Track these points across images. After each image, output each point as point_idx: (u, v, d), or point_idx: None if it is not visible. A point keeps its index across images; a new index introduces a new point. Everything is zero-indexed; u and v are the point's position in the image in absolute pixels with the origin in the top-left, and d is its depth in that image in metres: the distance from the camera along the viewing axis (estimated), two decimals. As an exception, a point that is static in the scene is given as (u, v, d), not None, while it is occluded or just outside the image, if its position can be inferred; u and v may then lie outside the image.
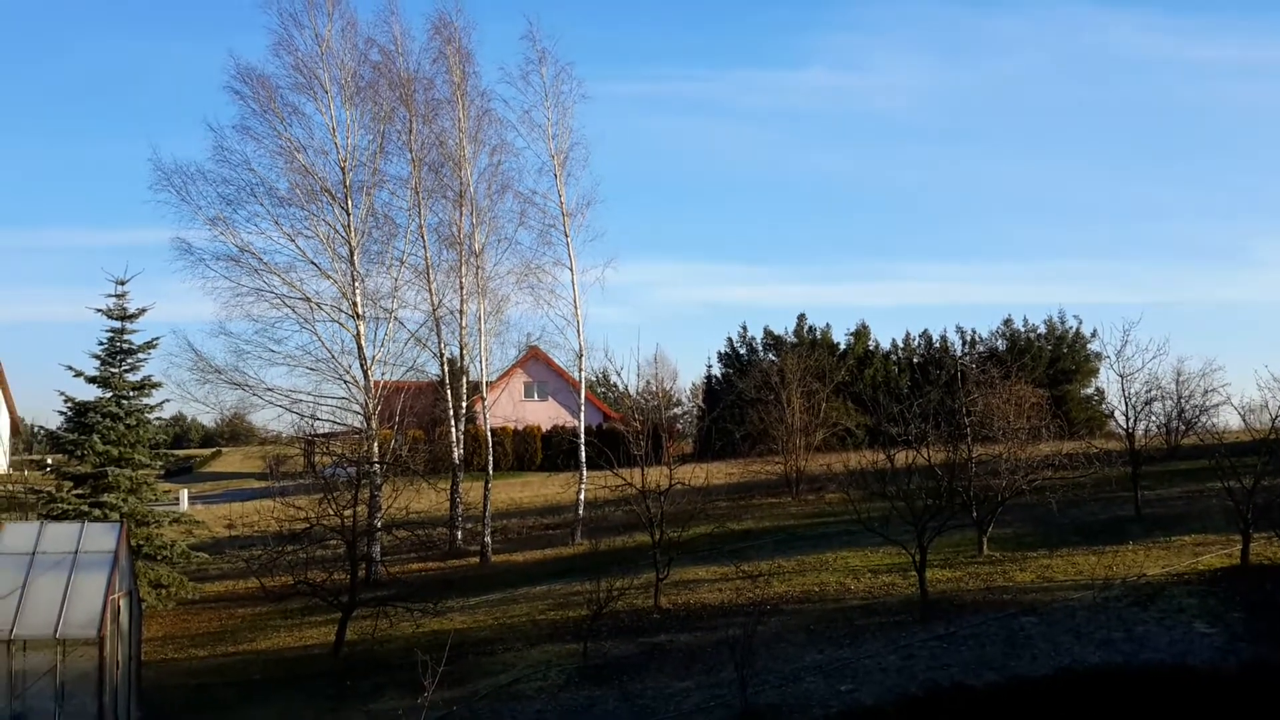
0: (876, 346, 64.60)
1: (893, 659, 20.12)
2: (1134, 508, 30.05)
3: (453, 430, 38.12)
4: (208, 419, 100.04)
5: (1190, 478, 33.08)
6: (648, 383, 56.05)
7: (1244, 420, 29.28)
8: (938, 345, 64.42)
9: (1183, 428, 35.26)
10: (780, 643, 21.76)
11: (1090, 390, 63.48)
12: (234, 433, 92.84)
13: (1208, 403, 34.28)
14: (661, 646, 22.58)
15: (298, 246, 35.27)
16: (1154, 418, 35.17)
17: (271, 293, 34.86)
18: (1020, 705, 13.98)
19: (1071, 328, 64.20)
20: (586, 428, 40.71)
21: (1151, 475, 33.08)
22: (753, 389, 46.83)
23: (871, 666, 19.97)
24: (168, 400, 36.20)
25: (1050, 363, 61.64)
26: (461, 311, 38.31)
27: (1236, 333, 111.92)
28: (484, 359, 39.04)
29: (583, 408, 40.89)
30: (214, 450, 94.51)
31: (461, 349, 38.66)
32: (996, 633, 20.75)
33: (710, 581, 27.49)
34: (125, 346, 32.18)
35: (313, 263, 35.33)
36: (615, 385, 62.43)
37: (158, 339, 32.83)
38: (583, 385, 41.12)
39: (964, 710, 14.36)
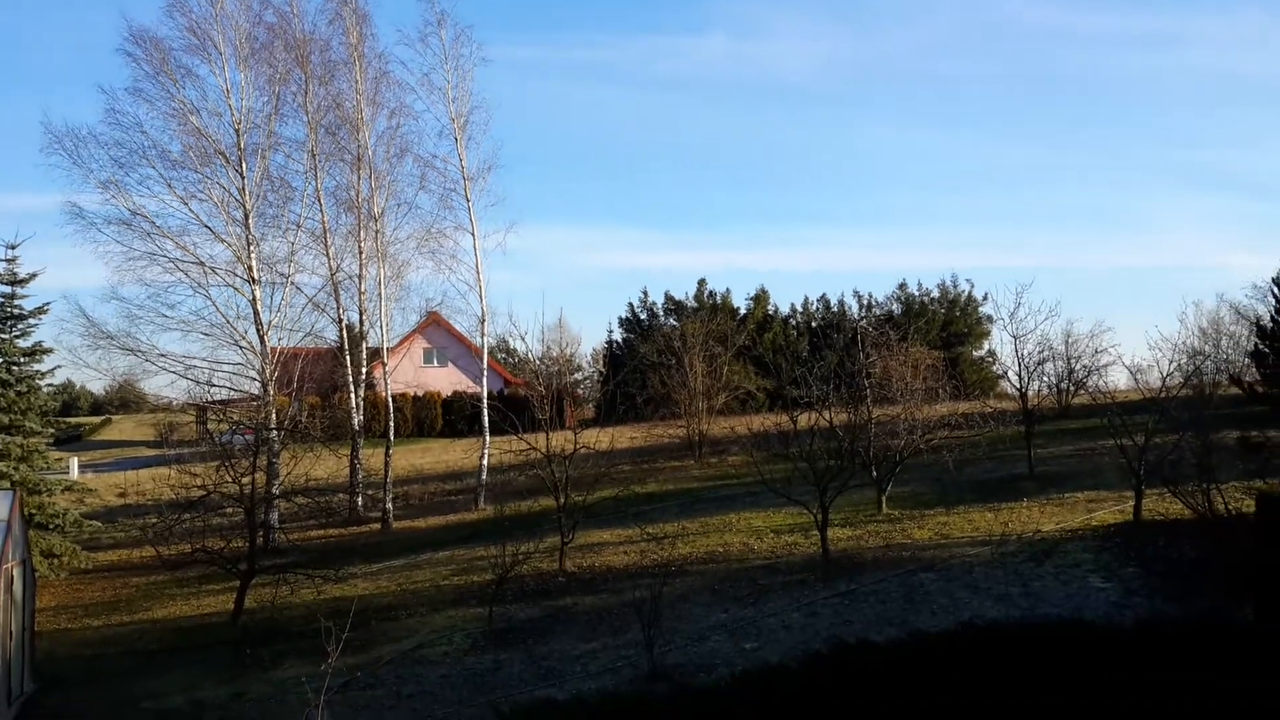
0: (776, 311, 65.24)
1: (796, 617, 20.38)
2: (1028, 466, 30.82)
3: (352, 396, 37.58)
4: (99, 386, 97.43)
5: (1082, 436, 34.01)
6: (550, 348, 55.92)
7: (1134, 379, 30.17)
8: (836, 309, 65.30)
9: (1073, 388, 36.25)
10: (685, 603, 21.90)
11: (983, 352, 65.02)
12: (124, 400, 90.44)
13: (1097, 363, 35.31)
14: (567, 609, 22.58)
15: (191, 210, 34.49)
16: (1046, 378, 36.15)
17: (165, 257, 34.10)
18: (921, 659, 14.23)
19: (964, 291, 65.62)
20: (489, 393, 40.41)
21: (1044, 434, 33.95)
22: (655, 353, 46.95)
23: (776, 625, 20.20)
24: (59, 366, 35.24)
25: (944, 325, 62.92)
26: (360, 276, 37.74)
27: (1127, 295, 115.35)
28: (384, 324, 38.53)
29: (485, 373, 40.58)
30: (104, 418, 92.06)
31: (361, 314, 38.10)
32: (897, 589, 21.13)
33: (615, 544, 27.56)
34: (15, 312, 31.52)
35: (206, 226, 34.57)
36: (517, 351, 62.20)
37: (48, 304, 32.16)
38: (485, 351, 40.78)
39: (866, 665, 14.57)
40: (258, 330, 34.72)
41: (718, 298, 63.50)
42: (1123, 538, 22.75)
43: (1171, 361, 28.05)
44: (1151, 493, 24.00)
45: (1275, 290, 20.12)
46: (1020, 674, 13.36)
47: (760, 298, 64.79)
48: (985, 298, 64.19)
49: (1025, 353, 32.86)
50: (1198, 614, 16.79)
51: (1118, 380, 37.57)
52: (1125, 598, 19.10)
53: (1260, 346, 20.79)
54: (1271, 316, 20.36)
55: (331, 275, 37.24)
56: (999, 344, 75.89)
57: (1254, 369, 23.40)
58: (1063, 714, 12.70)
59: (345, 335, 37.92)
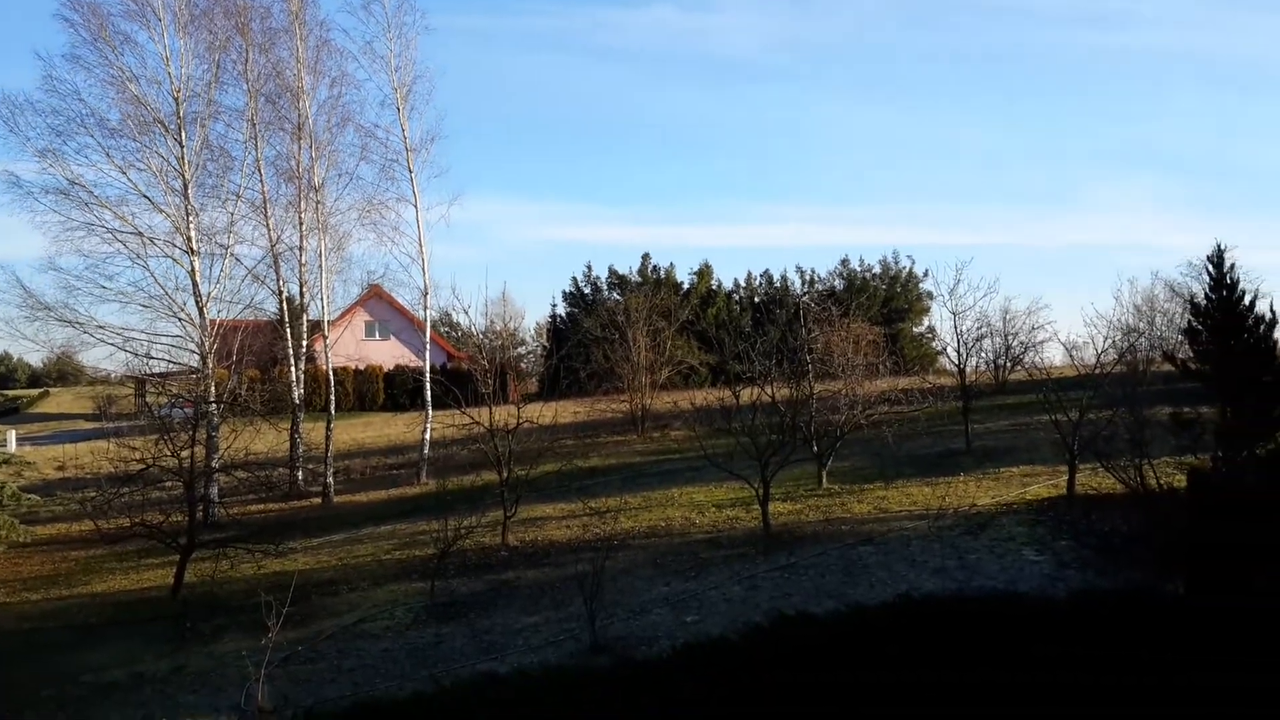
0: (719, 286, 65.46)
1: (737, 590, 20.56)
2: (965, 441, 31.27)
3: (292, 369, 37.23)
4: (36, 358, 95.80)
5: (1018, 412, 34.56)
6: (493, 322, 55.69)
7: (1069, 356, 30.68)
8: (779, 285, 65.64)
9: (1010, 364, 36.79)
10: (628, 577, 22.01)
11: (922, 328, 65.75)
12: (62, 373, 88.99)
13: (1034, 340, 35.85)
14: (510, 583, 22.61)
15: (129, 179, 33.83)
16: (984, 354, 36.66)
17: (103, 227, 33.44)
18: (859, 630, 14.45)
19: (905, 268, 66.25)
20: (431, 367, 40.20)
21: (981, 410, 34.44)
22: (598, 328, 46.96)
23: (717, 597, 20.37)
24: (-5, 338, 34.65)
25: (885, 302, 63.51)
26: (301, 248, 37.28)
27: (1064, 273, 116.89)
28: (325, 297, 38.14)
29: (428, 346, 40.36)
30: (41, 390, 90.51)
31: (301, 286, 37.66)
32: (836, 562, 21.38)
33: (558, 519, 27.60)
34: (-50, 283, 30.64)
35: (145, 196, 33.94)
36: (460, 324, 61.83)
37: (-17, 275, 31.33)
38: (428, 324, 40.53)
39: (806, 636, 14.77)
40: (197, 302, 34.25)
41: (661, 272, 63.59)
42: (1056, 512, 23.19)
43: (1106, 338, 28.57)
44: (1085, 468, 24.46)
45: (1210, 268, 20.48)
46: (956, 646, 13.60)
47: (704, 272, 64.97)
48: (926, 274, 64.97)
49: (964, 329, 33.33)
50: (1129, 587, 17.17)
51: (1054, 357, 38.25)
52: (1058, 570, 19.48)
53: (1194, 324, 21.18)
54: (1205, 294, 20.73)
55: (271, 246, 36.80)
56: (938, 320, 76.91)
57: (1187, 346, 23.83)
58: (997, 686, 12.95)
59: (285, 308, 37.49)
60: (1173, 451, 21.92)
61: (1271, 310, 20.15)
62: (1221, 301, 19.99)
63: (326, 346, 38.91)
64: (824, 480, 28.13)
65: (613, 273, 64.12)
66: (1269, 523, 14.75)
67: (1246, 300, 20.11)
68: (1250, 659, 12.70)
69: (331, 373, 39.09)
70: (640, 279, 61.86)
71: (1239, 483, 17.53)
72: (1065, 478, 24.66)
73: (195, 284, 34.21)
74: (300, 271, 37.39)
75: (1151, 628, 13.61)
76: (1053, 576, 19.17)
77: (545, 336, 67.72)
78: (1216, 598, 14.37)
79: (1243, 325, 19.76)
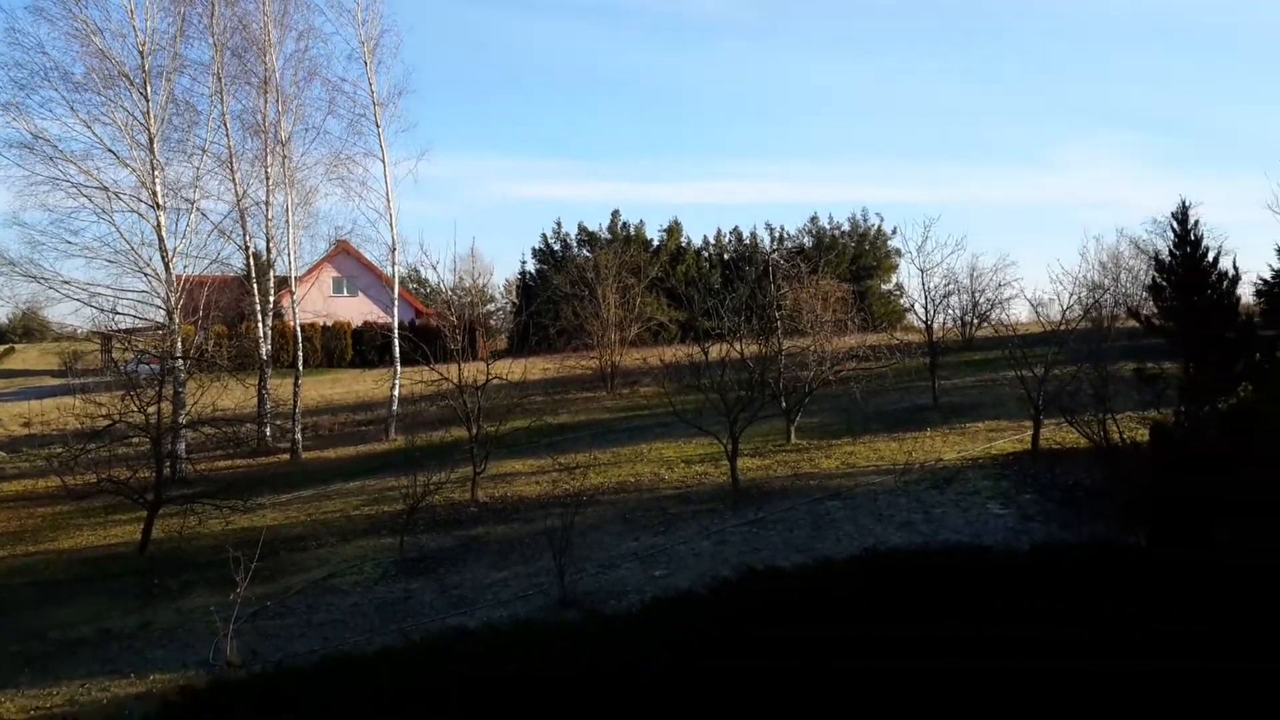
0: (689, 243, 65.37)
1: (706, 544, 20.69)
2: (932, 396, 31.49)
3: (259, 325, 36.98)
4: (1, 314, 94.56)
5: (984, 367, 34.82)
6: (462, 278, 55.42)
7: (1035, 312, 30.95)
8: (748, 242, 65.64)
9: (977, 320, 37.06)
10: (597, 532, 22.10)
11: (891, 285, 65.99)
12: (28, 328, 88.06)
13: (1000, 296, 36.14)
14: (479, 539, 22.66)
15: (95, 134, 33.40)
16: (951, 311, 36.93)
17: (68, 182, 33.04)
18: (827, 583, 14.59)
19: (874, 225, 66.36)
20: (400, 323, 40.02)
21: (948, 366, 34.68)
22: (568, 284, 46.84)
23: (685, 552, 20.50)
24: (-40, 295, 34.29)
25: (854, 259, 63.65)
26: (268, 203, 36.94)
27: (1031, 230, 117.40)
28: (292, 252, 37.86)
29: (396, 303, 40.16)
30: (6, 347, 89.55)
31: (268, 241, 37.35)
32: (804, 517, 21.55)
33: (527, 474, 27.65)
34: (-87, 238, 30.28)
35: (110, 150, 33.51)
36: (428, 280, 61.57)
37: (-52, 230, 30.95)
38: (396, 280, 40.31)
39: (773, 589, 14.90)
40: (163, 257, 33.92)
41: (631, 229, 63.42)
42: (1021, 466, 23.44)
43: (1072, 295, 28.83)
44: (1050, 422, 24.71)
45: (1174, 225, 20.67)
46: (921, 598, 13.76)
47: (673, 229, 64.84)
48: (894, 232, 65.15)
49: (931, 286, 33.51)
50: (1092, 540, 17.39)
51: (1020, 313, 38.58)
52: (1022, 524, 19.72)
53: (1158, 280, 21.42)
54: (1170, 250, 20.94)
55: (238, 201, 36.44)
56: (906, 277, 77.21)
57: (1151, 303, 24.10)
58: (961, 638, 13.12)
59: (252, 263, 37.18)
60: (1136, 406, 22.17)
61: (1234, 267, 20.38)
62: (1185, 258, 20.18)
63: (294, 302, 38.66)
64: (792, 436, 28.28)
65: (582, 229, 63.91)
66: (1230, 477, 14.95)
67: (1210, 257, 20.30)
68: (1209, 612, 12.90)
69: (299, 329, 38.87)
70: (610, 236, 61.69)
71: (1201, 437, 17.75)
72: (1030, 432, 24.90)
73: (161, 239, 33.88)
74: (267, 226, 37.10)
75: (1113, 581, 13.78)
76: (1017, 530, 19.40)
77: (514, 293, 67.52)
78: (1178, 551, 14.57)
79: (1206, 281, 19.98)
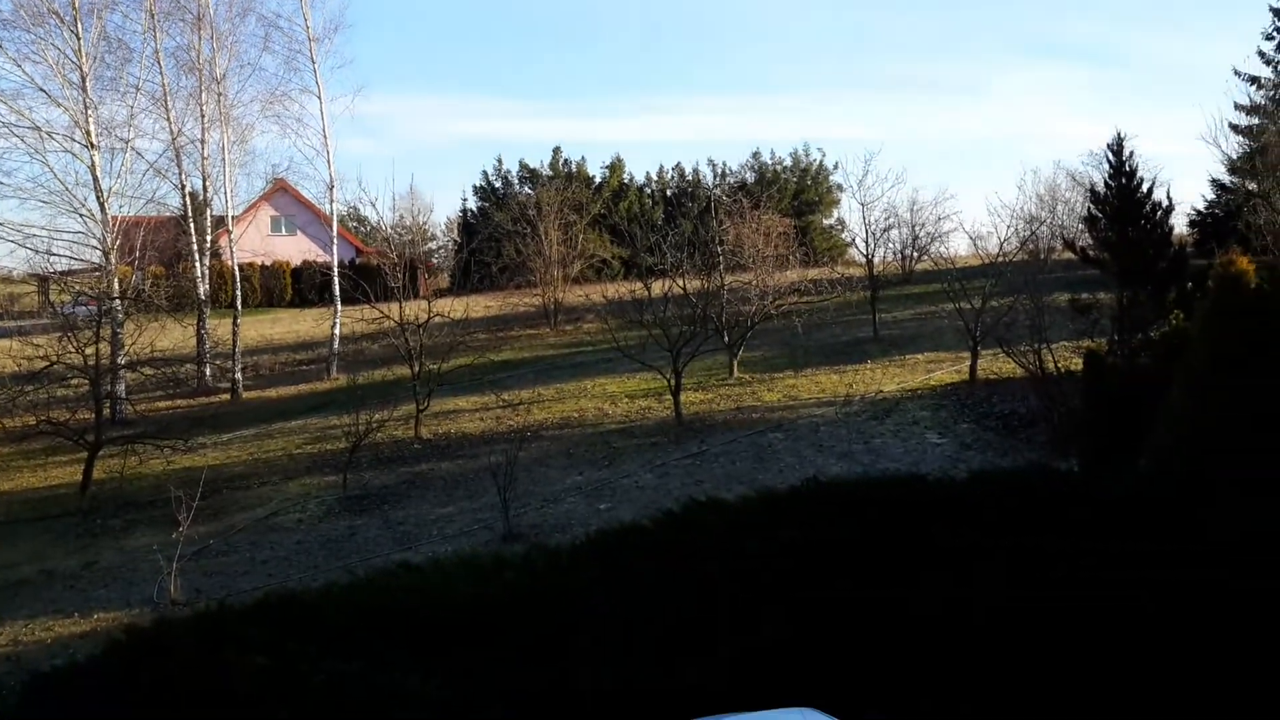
0: (631, 179, 65.01)
1: (649, 478, 20.91)
2: (872, 329, 31.85)
3: (197, 265, 36.45)
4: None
5: (924, 300, 35.21)
6: (402, 216, 54.87)
7: (974, 245, 31.28)
8: (690, 178, 65.38)
9: (917, 254, 37.41)
10: (541, 467, 22.24)
11: (832, 220, 66.23)
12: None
13: (940, 230, 36.50)
14: (423, 475, 22.72)
15: (25, 72, 32.65)
16: (891, 244, 37.25)
17: (-1, 121, 32.18)
18: (768, 513, 14.75)
19: (815, 160, 66.35)
20: (340, 262, 39.62)
21: (888, 299, 35.04)
22: (509, 222, 46.51)
23: (629, 485, 20.71)
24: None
25: (795, 194, 63.69)
26: (203, 141, 36.29)
27: (971, 164, 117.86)
28: (228, 191, 37.32)
29: (335, 241, 39.75)
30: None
31: (204, 180, 36.76)
32: (746, 449, 21.81)
33: (471, 411, 27.67)
34: None
35: (42, 89, 32.78)
36: (368, 219, 60.78)
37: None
38: (334, 218, 39.87)
39: (716, 519, 15.04)
40: (98, 197, 33.29)
41: (573, 166, 62.91)
42: (959, 396, 23.87)
43: (1009, 227, 29.17)
44: (987, 353, 25.12)
45: (1110, 156, 20.87)
46: (861, 526, 13.96)
47: (615, 166, 64.43)
48: (836, 167, 65.07)
49: (872, 220, 33.78)
50: (1026, 467, 17.74)
51: (959, 247, 38.95)
52: (960, 452, 20.11)
53: (1093, 211, 21.66)
54: (1105, 182, 21.15)
55: (173, 140, 35.75)
56: (848, 212, 77.42)
57: (1087, 234, 24.43)
58: (900, 562, 13.36)
59: (189, 202, 36.58)
60: (1071, 336, 22.59)
61: (1168, 198, 20.66)
62: (1120, 190, 20.41)
63: (231, 242, 38.17)
64: (735, 370, 28.49)
65: (524, 166, 63.31)
66: (1159, 402, 15.27)
67: (1145, 189, 20.56)
68: (1137, 535, 13.22)
69: (237, 268, 38.44)
70: (552, 173, 61.15)
71: (1132, 365, 18.11)
72: (968, 363, 25.31)
73: (96, 179, 33.25)
74: (203, 165, 36.51)
75: (1047, 504, 14.05)
76: (954, 458, 19.79)
77: (456, 231, 66.95)
78: (1106, 475, 14.90)
79: (1140, 213, 20.23)
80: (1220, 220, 38.45)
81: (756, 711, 11.27)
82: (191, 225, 36.25)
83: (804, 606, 13.03)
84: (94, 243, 33.51)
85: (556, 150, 62.85)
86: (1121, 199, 20.56)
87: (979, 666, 12.11)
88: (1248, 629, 11.56)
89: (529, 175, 62.25)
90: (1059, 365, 20.98)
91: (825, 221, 65.67)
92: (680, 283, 27.92)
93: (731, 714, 11.40)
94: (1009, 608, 12.58)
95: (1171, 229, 21.23)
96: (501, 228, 47.23)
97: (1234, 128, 41.80)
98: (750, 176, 64.21)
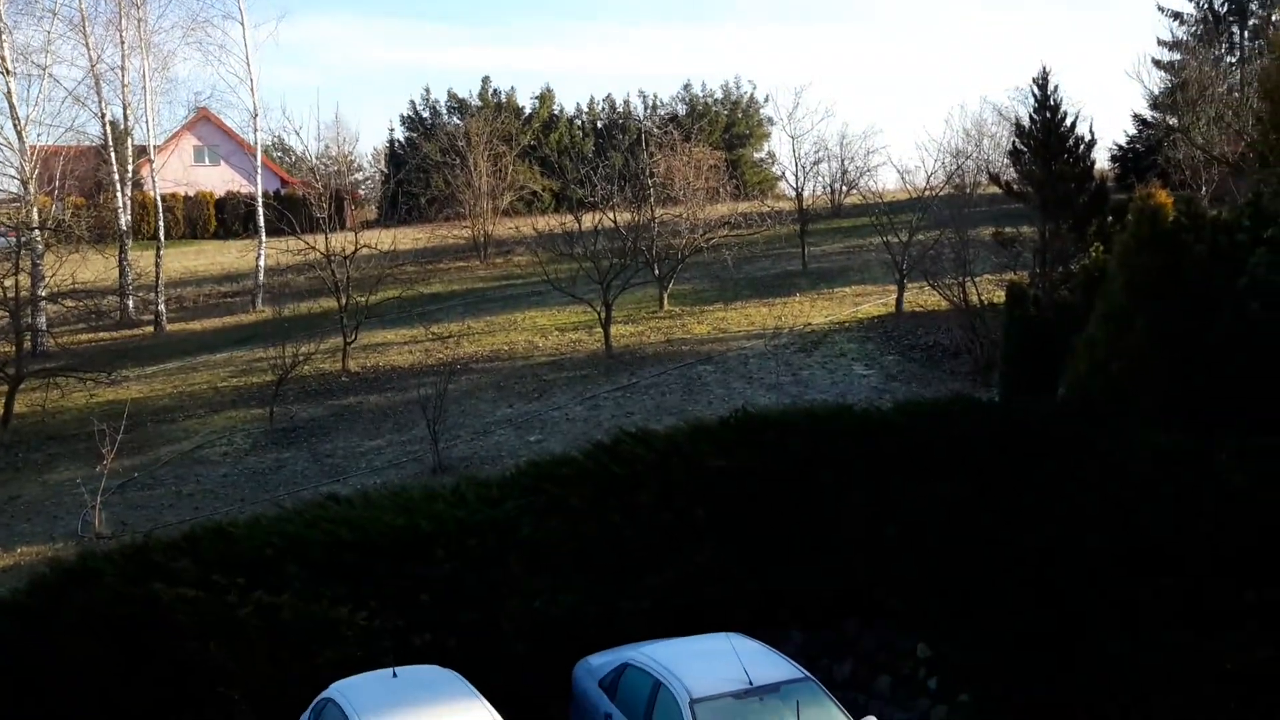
0: (562, 111, 64.33)
1: (580, 409, 21.01)
2: (801, 263, 32.07)
3: (119, 195, 35.61)
4: None
5: (852, 234, 35.48)
6: (328, 146, 53.87)
7: (902, 179, 31.53)
8: (621, 110, 64.90)
9: (846, 188, 37.61)
10: (471, 400, 22.23)
11: (763, 154, 66.19)
12: None
13: (869, 164, 36.68)
14: (351, 408, 22.61)
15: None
16: (820, 178, 37.39)
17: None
18: (698, 443, 14.90)
19: (746, 93, 66.12)
20: (265, 193, 38.90)
21: (817, 233, 35.24)
22: (438, 153, 45.88)
23: (559, 417, 20.80)
24: None
25: (726, 127, 63.50)
26: (123, 68, 35.30)
27: (900, 98, 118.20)
28: (150, 119, 36.40)
29: (259, 171, 39.00)
30: None
31: (125, 109, 35.87)
32: (676, 381, 21.98)
33: (400, 344, 27.50)
34: None
35: (-47, 14, 31.49)
36: (294, 149, 59.57)
37: None
38: (258, 148, 39.11)
39: (645, 451, 15.17)
40: (14, 125, 32.36)
41: (503, 97, 62.07)
42: (885, 329, 24.21)
43: (936, 162, 29.42)
44: (913, 286, 25.44)
45: (1035, 91, 21.11)
46: (787, 453, 14.17)
47: (545, 97, 63.71)
48: (767, 100, 64.92)
49: (802, 153, 33.84)
50: (949, 397, 18.07)
51: (887, 181, 39.20)
52: (885, 383, 20.45)
53: (1018, 145, 21.97)
54: (1030, 116, 21.44)
55: (92, 67, 34.75)
56: (778, 145, 77.48)
57: (1012, 168, 24.78)
58: (825, 488, 13.62)
59: (109, 131, 35.67)
60: (994, 269, 22.97)
61: (1091, 132, 20.99)
62: (1044, 124, 20.67)
63: (153, 171, 37.35)
64: (665, 303, 28.57)
65: (452, 96, 62.30)
66: (1078, 333, 15.62)
67: (1068, 123, 20.84)
68: (1044, 456, 13.59)
69: (160, 199, 37.64)
70: (481, 103, 60.29)
71: (1053, 297, 18.46)
72: (894, 296, 25.62)
73: (12, 106, 32.33)
74: (123, 93, 35.59)
75: (968, 431, 14.35)
76: (880, 389, 20.11)
77: (383, 162, 65.89)
78: (1026, 403, 15.24)
79: (1063, 147, 20.51)
80: (1141, 155, 39.02)
81: (685, 637, 11.51)
82: (112, 154, 35.39)
83: (732, 534, 13.27)
84: (11, 172, 32.62)
85: (485, 80, 61.97)
86: (1045, 133, 20.83)
87: (898, 583, 12.46)
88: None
89: (457, 105, 61.35)
90: (982, 298, 21.35)
91: (756, 155, 65.58)
92: (611, 215, 27.86)
93: (661, 639, 11.63)
94: (925, 526, 12.93)
95: (1093, 163, 21.57)
96: (430, 159, 46.60)
97: (1156, 63, 42.37)
98: (681, 109, 63.83)
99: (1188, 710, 10.43)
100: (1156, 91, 40.84)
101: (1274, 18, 41.89)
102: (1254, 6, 43.41)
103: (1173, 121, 35.84)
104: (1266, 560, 11.31)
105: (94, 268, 32.41)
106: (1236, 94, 34.36)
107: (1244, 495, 11.80)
